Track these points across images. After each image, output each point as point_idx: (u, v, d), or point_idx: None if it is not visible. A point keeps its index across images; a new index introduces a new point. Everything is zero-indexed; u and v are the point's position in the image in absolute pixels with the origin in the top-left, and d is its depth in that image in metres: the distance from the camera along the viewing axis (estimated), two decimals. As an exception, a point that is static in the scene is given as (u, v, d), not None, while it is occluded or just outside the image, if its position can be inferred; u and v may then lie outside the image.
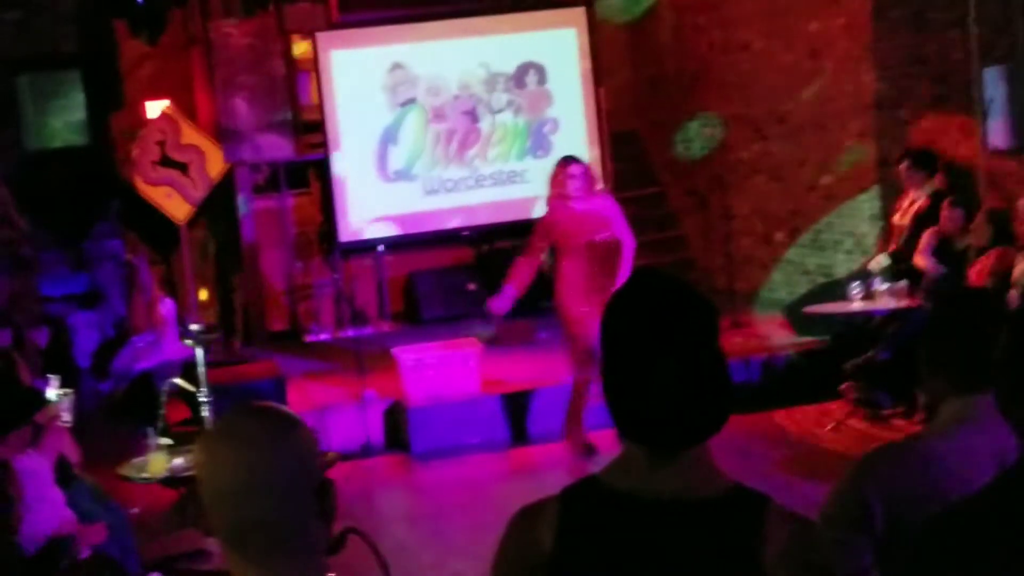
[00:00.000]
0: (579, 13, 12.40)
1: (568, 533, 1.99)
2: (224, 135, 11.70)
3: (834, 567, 2.07)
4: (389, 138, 11.99)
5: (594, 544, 1.98)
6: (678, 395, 1.93)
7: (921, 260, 8.77)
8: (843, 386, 8.62)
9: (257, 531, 1.85)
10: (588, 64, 12.38)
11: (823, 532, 2.59)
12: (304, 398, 9.19)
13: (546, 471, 8.15)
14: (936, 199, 9.06)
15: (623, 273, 8.23)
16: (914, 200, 9.41)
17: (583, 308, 7.97)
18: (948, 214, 8.67)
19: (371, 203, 11.92)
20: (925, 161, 9.37)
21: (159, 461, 6.32)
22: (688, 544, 1.93)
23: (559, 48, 12.34)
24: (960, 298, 2.91)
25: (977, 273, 8.24)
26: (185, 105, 11.86)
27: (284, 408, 1.96)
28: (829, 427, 8.44)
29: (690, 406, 1.94)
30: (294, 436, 1.89)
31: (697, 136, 12.44)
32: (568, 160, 8.12)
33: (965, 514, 1.85)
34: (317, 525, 1.89)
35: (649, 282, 2.04)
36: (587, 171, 8.12)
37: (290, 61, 11.96)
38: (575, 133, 12.36)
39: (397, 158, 12.01)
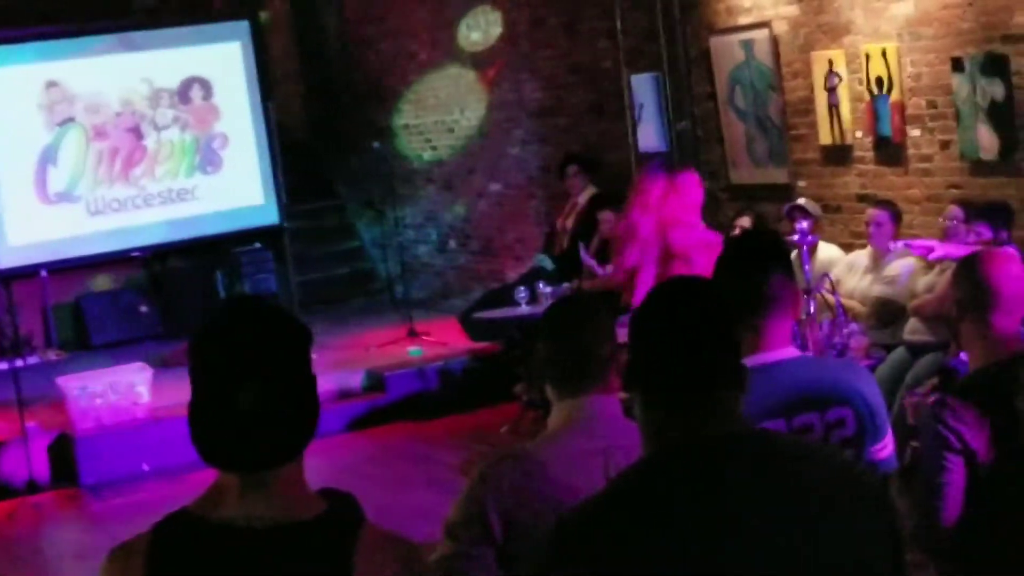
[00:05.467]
0: (243, 26, 12.21)
1: (158, 569, 1.96)
2: None
3: None
4: (48, 159, 11.46)
5: None
6: (256, 418, 1.95)
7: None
8: (516, 387, 8.85)
9: None
10: (255, 77, 12.20)
11: (449, 544, 2.65)
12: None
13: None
14: (594, 202, 9.44)
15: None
16: (576, 204, 9.78)
17: None
18: (601, 217, 9.03)
19: (32, 226, 11.35)
20: (590, 166, 9.76)
21: None
22: (280, 571, 1.94)
23: (224, 62, 12.10)
24: (563, 302, 3.03)
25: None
26: None
27: None
28: (504, 428, 8.64)
29: (268, 428, 1.96)
30: None
31: (369, 148, 12.49)
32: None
33: (595, 516, 1.93)
34: None
35: (235, 309, 2.06)
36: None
37: (-67, 80, 11.23)
38: (246, 147, 12.15)
39: (58, 179, 11.50)
